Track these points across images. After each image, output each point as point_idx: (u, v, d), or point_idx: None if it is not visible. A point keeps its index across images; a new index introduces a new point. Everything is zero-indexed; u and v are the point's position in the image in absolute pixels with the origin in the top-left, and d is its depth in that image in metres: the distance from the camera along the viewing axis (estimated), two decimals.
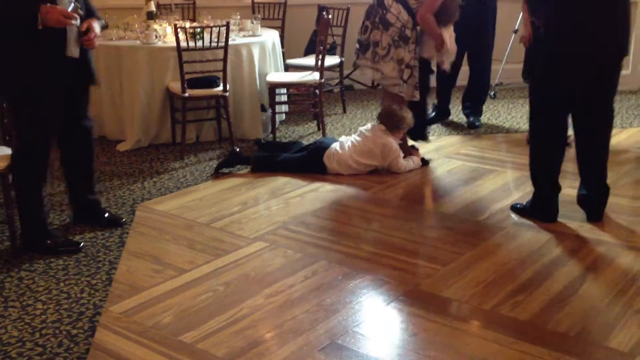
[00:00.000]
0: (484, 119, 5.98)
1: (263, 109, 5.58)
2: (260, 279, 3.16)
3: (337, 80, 6.62)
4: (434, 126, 5.81)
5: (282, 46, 6.32)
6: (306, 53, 6.78)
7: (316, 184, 4.41)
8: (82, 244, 3.53)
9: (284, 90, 5.84)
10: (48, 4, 3.16)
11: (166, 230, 3.74)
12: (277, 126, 5.54)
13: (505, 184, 4.41)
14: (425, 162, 4.79)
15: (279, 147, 5.00)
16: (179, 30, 4.84)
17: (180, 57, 4.85)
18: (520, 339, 2.64)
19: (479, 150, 5.14)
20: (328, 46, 6.06)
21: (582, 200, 3.78)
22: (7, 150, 3.48)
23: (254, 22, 5.78)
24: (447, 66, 4.72)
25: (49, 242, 3.47)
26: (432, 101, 6.01)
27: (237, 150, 4.78)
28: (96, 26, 3.41)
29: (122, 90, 5.28)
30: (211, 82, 5.08)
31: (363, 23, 4.59)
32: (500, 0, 5.68)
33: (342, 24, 6.35)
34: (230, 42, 5.00)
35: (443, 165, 4.80)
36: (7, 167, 3.37)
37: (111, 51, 5.27)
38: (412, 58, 4.48)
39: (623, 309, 2.85)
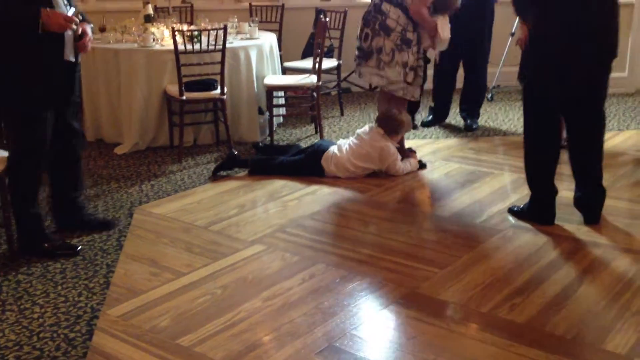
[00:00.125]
0: (481, 121, 5.98)
1: (261, 112, 5.58)
2: (258, 282, 3.16)
3: (334, 83, 6.63)
4: (431, 129, 5.83)
5: (280, 49, 6.32)
6: (304, 56, 6.79)
7: (314, 187, 4.41)
8: (79, 248, 3.53)
9: (281, 93, 5.84)
10: (48, 9, 3.18)
11: (164, 233, 3.74)
12: (274, 129, 5.55)
13: (502, 186, 4.42)
14: (422, 165, 4.80)
15: (277, 150, 5.00)
16: (176, 33, 4.85)
17: (177, 60, 4.85)
18: (517, 341, 2.64)
19: (476, 152, 5.15)
20: (325, 49, 6.07)
21: (578, 203, 3.79)
22: (3, 153, 3.48)
23: (252, 25, 5.79)
24: (436, 54, 4.70)
25: (46, 245, 3.47)
26: (428, 102, 6.04)
27: (235, 153, 4.78)
28: (89, 30, 3.43)
29: (119, 93, 5.29)
30: (209, 85, 5.09)
31: (362, 30, 4.58)
32: (497, 4, 5.70)
33: (340, 27, 6.36)
34: (227, 45, 5.00)
35: (440, 168, 4.81)
36: (3, 170, 3.37)
37: (109, 54, 5.27)
38: (416, 59, 4.49)
39: (620, 312, 2.85)
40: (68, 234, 3.71)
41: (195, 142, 5.46)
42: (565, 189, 3.89)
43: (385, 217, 3.96)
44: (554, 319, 2.80)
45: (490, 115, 6.28)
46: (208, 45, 4.92)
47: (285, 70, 6.29)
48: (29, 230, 3.46)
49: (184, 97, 4.96)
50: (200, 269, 3.29)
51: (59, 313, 2.92)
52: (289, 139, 5.62)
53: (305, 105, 5.96)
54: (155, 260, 3.40)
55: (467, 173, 4.68)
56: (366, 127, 4.68)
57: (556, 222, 3.76)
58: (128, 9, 6.78)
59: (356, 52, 4.67)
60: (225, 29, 4.93)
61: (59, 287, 3.15)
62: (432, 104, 6.02)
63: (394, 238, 3.64)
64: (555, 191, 3.74)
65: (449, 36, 4.52)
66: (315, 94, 5.48)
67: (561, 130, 3.78)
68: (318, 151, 4.63)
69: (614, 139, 5.47)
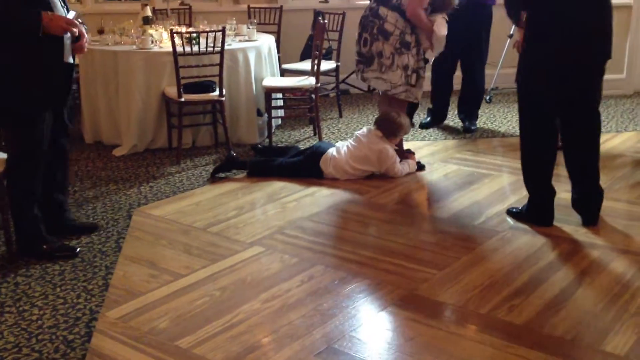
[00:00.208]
0: (479, 123, 5.99)
1: (259, 114, 5.58)
2: (257, 283, 3.16)
3: (333, 85, 6.63)
4: (430, 130, 5.83)
5: (278, 51, 6.33)
6: (302, 58, 6.80)
7: (312, 189, 4.41)
8: (78, 249, 3.53)
9: (280, 95, 5.85)
10: (49, 12, 3.19)
11: (162, 235, 3.74)
12: (273, 131, 5.55)
13: (501, 188, 4.42)
14: (421, 167, 4.80)
15: (275, 151, 5.00)
16: (175, 35, 4.85)
17: (176, 62, 4.86)
18: (516, 343, 2.64)
19: (474, 154, 5.16)
20: (324, 51, 6.08)
21: (576, 204, 3.79)
22: (1, 155, 3.48)
23: (250, 27, 5.79)
24: (432, 55, 4.71)
25: (45, 247, 3.47)
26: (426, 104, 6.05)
27: (234, 154, 4.78)
28: (84, 32, 3.44)
29: (118, 95, 5.29)
30: (207, 87, 5.09)
31: (361, 35, 4.58)
32: (495, 5, 5.71)
33: (338, 29, 6.36)
34: (226, 47, 5.01)
35: (439, 170, 4.81)
36: (2, 172, 3.37)
37: (107, 56, 5.27)
38: (417, 61, 4.50)
39: (619, 313, 2.86)
40: (67, 236, 3.71)
41: (194, 144, 5.46)
42: (563, 191, 3.89)
43: (384, 218, 3.96)
44: (553, 320, 2.80)
45: (489, 117, 6.29)
46: (206, 47, 4.92)
47: (283, 72, 6.30)
48: (27, 232, 3.46)
49: (183, 99, 4.96)
50: (199, 270, 3.29)
51: (57, 315, 2.92)
52: (288, 140, 5.62)
53: (303, 107, 5.96)
54: (154, 262, 3.40)
55: (465, 175, 4.68)
56: (364, 129, 4.68)
57: (554, 223, 3.76)
58: (126, 11, 6.79)
59: (356, 57, 4.68)
60: (223, 30, 4.93)
61: (58, 289, 3.15)
62: (430, 106, 6.03)
63: (392, 240, 3.64)
64: (553, 192, 3.75)
65: (445, 33, 4.51)
66: (313, 96, 5.48)
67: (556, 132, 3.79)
68: (316, 153, 4.63)
69: (612, 141, 5.48)
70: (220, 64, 4.95)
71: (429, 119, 5.97)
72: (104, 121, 5.43)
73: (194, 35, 5.05)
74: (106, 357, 2.60)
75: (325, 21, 5.82)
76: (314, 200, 4.22)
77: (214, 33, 4.94)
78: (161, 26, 5.65)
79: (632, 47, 7.30)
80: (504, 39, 6.51)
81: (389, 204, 4.20)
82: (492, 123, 6.08)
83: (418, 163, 4.81)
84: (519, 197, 4.12)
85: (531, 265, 3.31)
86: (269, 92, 5.40)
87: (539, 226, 3.73)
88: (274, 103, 5.56)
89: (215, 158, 5.14)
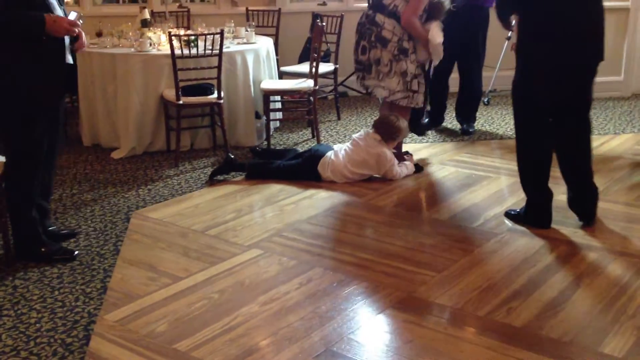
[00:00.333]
0: (477, 125, 6.00)
1: (257, 116, 5.59)
2: (255, 286, 3.16)
3: (331, 87, 6.64)
4: (427, 132, 5.83)
5: (277, 53, 6.33)
6: (300, 60, 6.80)
7: (311, 191, 4.41)
8: (76, 252, 3.52)
9: (278, 98, 5.85)
10: (52, 14, 3.21)
11: (161, 237, 3.74)
12: (271, 133, 5.55)
13: (499, 190, 4.43)
14: (419, 169, 4.81)
15: (274, 154, 5.00)
16: (173, 37, 4.85)
17: (174, 64, 4.86)
18: (514, 345, 2.65)
19: (472, 156, 5.16)
20: (322, 53, 6.08)
21: (572, 203, 3.81)
22: (0, 158, 3.47)
23: (248, 29, 5.80)
24: (435, 63, 4.73)
25: (43, 250, 3.47)
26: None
27: (232, 157, 4.78)
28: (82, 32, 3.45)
29: (116, 97, 5.29)
30: (205, 89, 5.09)
31: (359, 43, 4.59)
32: (492, 8, 5.71)
33: (336, 32, 6.37)
34: (224, 50, 5.01)
35: (437, 172, 4.82)
36: (1, 174, 3.37)
37: (105, 59, 5.28)
38: (416, 67, 4.51)
39: (617, 315, 2.86)
40: (66, 239, 3.71)
41: (192, 147, 5.46)
42: (561, 193, 3.89)
43: (382, 221, 3.96)
44: (551, 323, 2.80)
45: (487, 119, 6.30)
46: (205, 50, 4.93)
47: (282, 75, 6.30)
48: (26, 235, 3.46)
49: (181, 102, 4.97)
50: (197, 273, 3.29)
51: (56, 318, 2.92)
52: (286, 143, 5.62)
53: (302, 109, 5.96)
54: (152, 265, 3.40)
55: (463, 177, 4.69)
56: (362, 132, 4.68)
57: (552, 225, 3.76)
58: (125, 13, 6.79)
59: (355, 65, 4.69)
60: (222, 33, 4.94)
61: (56, 292, 3.15)
62: (427, 108, 6.03)
63: (391, 242, 3.64)
64: (550, 194, 3.75)
65: (441, 41, 4.53)
66: (312, 98, 5.49)
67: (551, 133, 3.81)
68: (315, 156, 4.63)
69: (610, 143, 5.49)
70: (219, 67, 4.95)
71: (426, 120, 5.97)
72: (102, 124, 5.43)
73: (192, 38, 5.05)
74: None
75: (324, 24, 5.83)
76: (312, 203, 4.22)
77: (212, 36, 4.94)
78: (159, 29, 5.65)
79: (629, 50, 7.32)
80: (502, 41, 6.52)
81: (387, 206, 4.20)
82: (490, 125, 6.09)
83: (416, 165, 4.82)
84: (517, 199, 4.12)
85: (529, 267, 3.32)
86: (267, 94, 5.41)
87: (537, 228, 3.74)
88: (272, 105, 5.56)
89: (214, 161, 5.14)
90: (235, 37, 5.83)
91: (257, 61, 5.58)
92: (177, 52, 4.87)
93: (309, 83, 5.47)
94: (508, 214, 3.94)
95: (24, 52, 3.21)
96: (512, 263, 3.36)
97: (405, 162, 4.75)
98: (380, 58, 4.48)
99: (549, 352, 2.60)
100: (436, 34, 4.50)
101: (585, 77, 3.64)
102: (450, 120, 6.12)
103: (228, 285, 3.17)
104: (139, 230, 3.86)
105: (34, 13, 3.16)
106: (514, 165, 3.89)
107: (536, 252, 3.49)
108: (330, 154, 4.62)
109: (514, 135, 3.85)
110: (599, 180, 4.08)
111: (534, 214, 3.78)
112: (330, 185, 4.52)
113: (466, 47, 5.58)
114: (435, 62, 4.71)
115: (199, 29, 5.53)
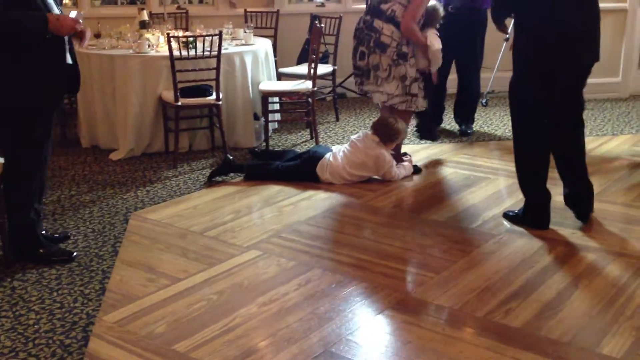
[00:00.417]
0: (476, 126, 6.01)
1: (256, 118, 5.59)
2: (254, 287, 3.16)
3: (329, 89, 6.64)
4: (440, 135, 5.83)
5: (275, 55, 6.34)
6: (299, 62, 6.80)
7: (309, 192, 4.41)
8: (75, 254, 3.52)
9: (276, 99, 5.85)
10: (54, 13, 3.21)
11: (159, 239, 3.74)
12: (270, 135, 5.55)
13: (497, 191, 4.43)
14: (417, 170, 4.81)
15: (273, 155, 5.00)
16: (171, 39, 4.86)
17: (173, 66, 4.86)
18: (512, 346, 2.65)
19: (471, 157, 5.17)
20: (320, 55, 6.09)
21: (569, 200, 3.83)
22: None
23: (247, 31, 5.80)
24: (433, 70, 4.74)
25: (41, 251, 3.47)
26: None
27: (230, 158, 4.78)
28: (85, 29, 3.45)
29: (115, 99, 5.29)
30: (204, 90, 5.09)
31: (357, 49, 4.59)
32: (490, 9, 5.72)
33: (335, 33, 6.38)
34: (223, 51, 5.01)
35: (435, 173, 4.82)
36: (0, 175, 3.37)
37: (104, 60, 5.27)
38: (416, 71, 4.52)
39: (615, 316, 2.87)
40: (64, 240, 3.71)
41: (191, 148, 5.46)
42: (559, 194, 3.89)
43: (381, 222, 3.97)
44: (549, 323, 2.81)
45: (485, 120, 6.30)
46: (203, 51, 4.93)
47: (280, 76, 6.30)
48: (24, 236, 3.45)
49: (179, 103, 4.97)
50: (196, 274, 3.29)
51: (54, 319, 2.92)
52: (285, 144, 5.62)
53: (300, 110, 5.97)
54: (151, 266, 3.40)
55: (462, 178, 4.69)
56: (360, 133, 4.68)
57: (551, 226, 3.77)
58: (123, 15, 6.79)
59: (354, 71, 4.70)
60: (220, 35, 4.94)
61: (55, 294, 3.15)
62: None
63: (389, 243, 3.64)
64: (548, 195, 3.76)
65: (439, 47, 4.57)
66: (310, 100, 5.49)
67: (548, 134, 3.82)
68: (313, 158, 4.63)
69: (608, 144, 5.50)
70: (217, 68, 4.95)
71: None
72: (101, 125, 5.43)
73: (191, 39, 5.05)
74: None
75: (322, 25, 5.83)
76: (311, 204, 4.22)
77: (210, 37, 4.94)
78: (158, 30, 5.66)
79: (627, 51, 7.33)
80: (500, 42, 6.52)
81: (386, 207, 4.21)
82: (488, 126, 6.10)
83: (414, 166, 4.82)
84: (516, 200, 4.13)
85: (528, 268, 3.32)
86: (266, 96, 5.41)
87: (536, 229, 3.74)
88: (270, 107, 5.56)
89: (212, 162, 5.14)
90: (233, 39, 5.83)
91: (256, 62, 5.58)
92: (176, 53, 4.87)
93: (307, 84, 5.47)
94: (506, 215, 3.94)
95: (24, 52, 3.21)
96: (511, 264, 3.37)
97: (404, 163, 4.75)
98: (379, 63, 4.49)
99: (548, 352, 2.60)
100: (434, 40, 4.53)
101: (580, 78, 3.67)
102: (449, 122, 6.13)
103: (227, 287, 3.17)
104: (137, 231, 3.86)
105: (36, 13, 3.16)
106: (512, 166, 3.89)
107: (534, 253, 3.49)
108: (328, 155, 4.62)
109: (512, 137, 3.85)
110: (597, 181, 4.10)
111: (533, 215, 3.78)
112: (328, 186, 4.52)
113: (464, 49, 5.59)
114: (434, 70, 4.73)
115: (198, 31, 5.53)
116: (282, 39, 6.96)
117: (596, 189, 4.25)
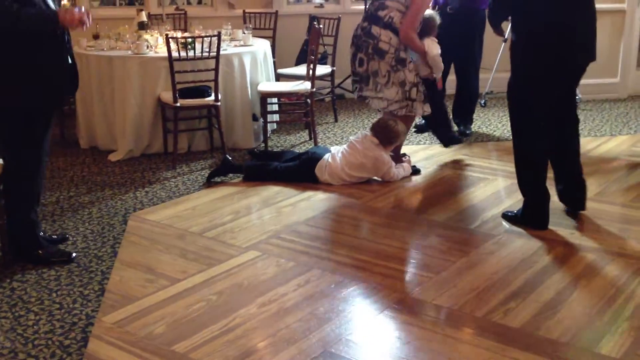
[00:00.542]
0: (474, 127, 6.01)
1: (255, 119, 5.59)
2: (253, 288, 3.16)
3: (328, 90, 6.65)
4: (424, 134, 5.84)
5: (274, 56, 6.34)
6: (297, 63, 6.81)
7: (308, 193, 4.42)
8: (74, 254, 3.52)
9: (275, 100, 5.85)
10: (61, 8, 3.23)
11: (158, 240, 3.74)
12: (268, 135, 5.56)
13: (496, 191, 4.43)
14: (416, 171, 4.81)
15: (272, 156, 5.00)
16: (170, 40, 4.86)
17: (171, 67, 4.86)
18: (511, 346, 2.65)
19: (469, 158, 5.17)
20: (319, 56, 6.09)
21: (563, 195, 3.86)
22: None
23: (246, 31, 5.80)
24: (437, 76, 4.75)
25: (41, 252, 3.47)
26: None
27: (229, 158, 4.78)
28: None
29: (113, 100, 5.29)
30: (203, 91, 5.09)
31: (355, 55, 4.59)
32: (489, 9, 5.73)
33: (333, 34, 6.38)
34: (221, 52, 5.02)
35: (434, 174, 4.82)
36: None
37: (103, 61, 5.27)
38: (415, 75, 4.52)
39: (614, 316, 2.87)
40: (63, 241, 3.71)
41: (190, 149, 5.46)
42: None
43: (380, 222, 3.97)
44: (548, 324, 2.81)
45: (484, 121, 6.31)
46: (202, 52, 4.93)
47: (279, 77, 6.31)
48: (24, 237, 3.45)
49: (178, 104, 4.97)
50: (195, 275, 3.29)
51: (53, 320, 2.92)
52: (283, 145, 5.63)
53: (299, 111, 5.97)
54: (150, 267, 3.40)
55: (461, 178, 4.70)
56: (359, 134, 4.68)
57: (550, 227, 3.77)
58: (122, 16, 6.79)
59: (353, 77, 4.70)
60: (219, 35, 4.94)
61: (54, 294, 3.15)
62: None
63: (388, 243, 3.65)
64: (547, 196, 3.76)
65: (438, 52, 4.58)
66: (309, 101, 5.49)
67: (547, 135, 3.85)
68: (312, 159, 4.63)
69: (607, 144, 5.51)
70: (216, 69, 4.96)
71: (423, 122, 5.97)
72: (100, 126, 5.43)
73: (190, 40, 5.06)
74: None
75: (321, 26, 5.84)
76: (310, 205, 4.23)
77: (209, 38, 4.95)
78: (156, 31, 5.66)
79: (625, 51, 7.34)
80: (498, 43, 6.52)
81: (385, 207, 4.21)
82: (487, 127, 6.10)
83: (413, 167, 4.82)
84: (514, 200, 4.13)
85: (527, 268, 3.32)
86: (265, 96, 5.41)
87: (534, 230, 3.75)
88: (269, 108, 5.56)
89: (211, 163, 5.15)
90: (232, 40, 5.83)
91: (254, 63, 5.58)
92: (175, 54, 4.87)
93: (306, 85, 5.47)
94: (505, 216, 3.94)
95: (25, 52, 3.22)
96: (510, 264, 3.37)
97: (403, 163, 4.75)
98: (378, 70, 4.50)
99: (547, 352, 2.60)
100: (432, 46, 4.54)
101: (576, 78, 3.73)
102: None
103: (226, 287, 3.17)
104: (136, 232, 3.86)
105: (43, 9, 3.18)
106: (511, 167, 3.90)
107: (533, 253, 3.50)
108: (327, 156, 4.62)
109: (511, 137, 3.86)
110: (595, 182, 4.10)
111: (532, 215, 3.79)
112: (327, 187, 4.52)
113: (463, 50, 5.59)
114: (438, 75, 4.72)
115: (196, 32, 5.53)
116: (281, 40, 6.97)
117: (595, 189, 4.28)
